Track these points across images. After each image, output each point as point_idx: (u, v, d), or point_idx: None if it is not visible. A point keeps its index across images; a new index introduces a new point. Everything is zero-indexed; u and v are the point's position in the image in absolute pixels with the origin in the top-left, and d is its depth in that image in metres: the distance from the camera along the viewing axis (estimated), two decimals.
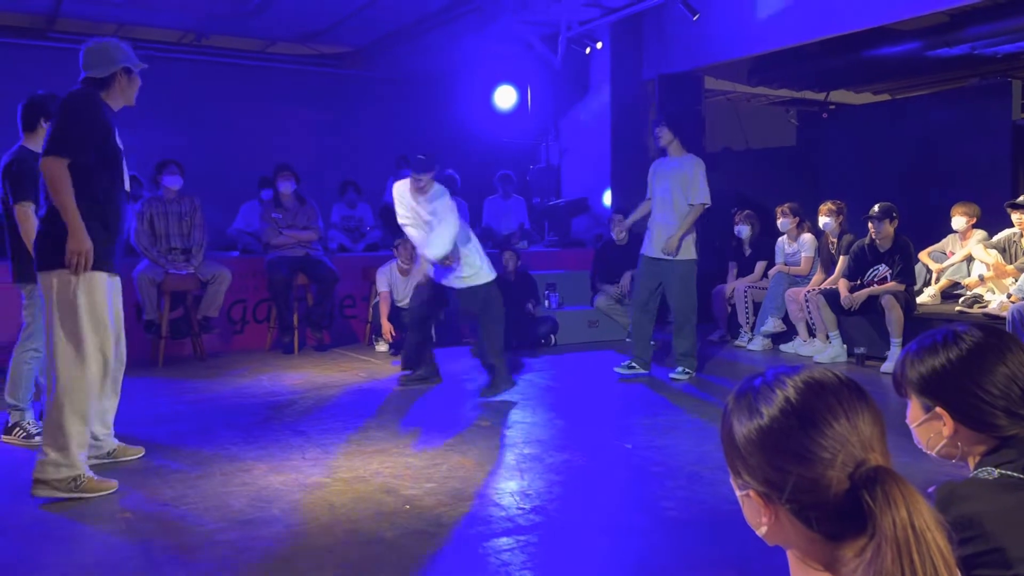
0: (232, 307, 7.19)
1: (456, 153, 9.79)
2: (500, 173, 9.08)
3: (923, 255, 6.98)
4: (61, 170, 3.39)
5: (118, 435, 4.08)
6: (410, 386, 5.64)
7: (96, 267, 3.50)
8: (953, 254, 6.83)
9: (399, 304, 7.11)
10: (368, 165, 9.39)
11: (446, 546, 2.98)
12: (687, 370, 5.87)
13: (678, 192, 5.75)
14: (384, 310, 6.89)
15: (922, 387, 1.46)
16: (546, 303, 7.71)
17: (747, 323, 7.32)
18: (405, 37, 8.93)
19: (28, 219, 4.20)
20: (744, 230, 7.53)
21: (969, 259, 6.68)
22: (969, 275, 6.64)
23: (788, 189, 8.20)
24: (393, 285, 7.05)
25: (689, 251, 5.82)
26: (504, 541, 3.01)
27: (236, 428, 4.63)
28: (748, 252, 7.59)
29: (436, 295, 5.56)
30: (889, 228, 6.27)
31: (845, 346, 6.53)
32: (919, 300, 6.57)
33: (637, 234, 6.80)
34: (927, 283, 6.99)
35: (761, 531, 1.07)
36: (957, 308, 6.30)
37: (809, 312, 6.70)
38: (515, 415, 4.92)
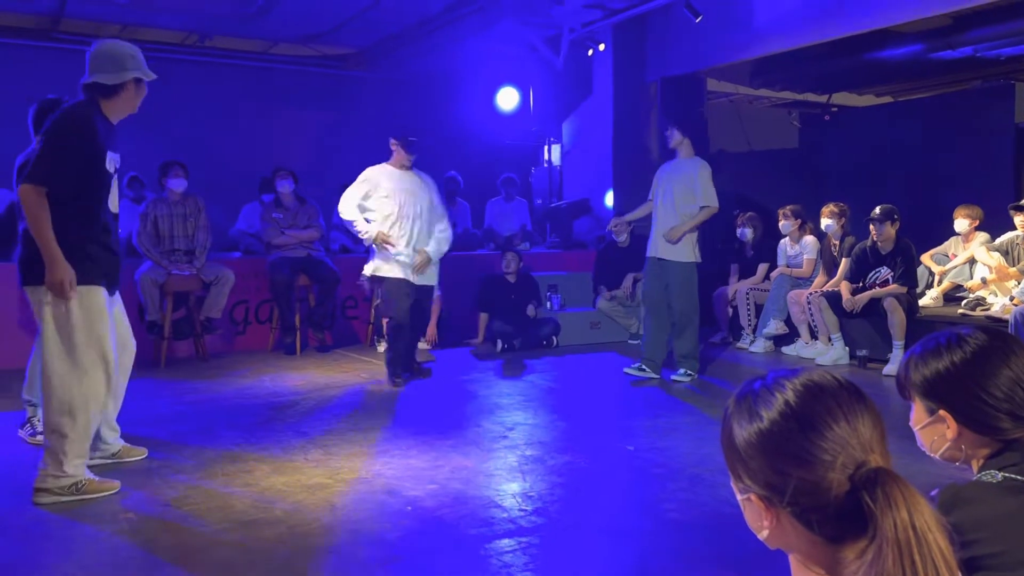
0: (234, 308, 7.20)
1: (458, 154, 9.81)
2: (503, 176, 9.09)
3: (925, 257, 6.98)
4: (39, 199, 3.28)
5: (125, 436, 4.09)
6: (402, 386, 5.71)
7: (88, 282, 3.45)
8: (956, 256, 6.82)
9: None
10: (370, 166, 9.39)
11: (448, 547, 2.98)
12: (689, 372, 5.87)
13: (680, 196, 5.75)
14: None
15: (926, 390, 1.46)
16: (548, 305, 7.72)
17: (749, 325, 7.31)
18: (407, 38, 8.93)
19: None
20: (746, 232, 7.53)
21: (972, 262, 6.67)
22: (972, 278, 6.64)
23: (790, 191, 8.19)
24: None
25: (691, 254, 5.82)
26: (506, 542, 3.01)
27: (238, 429, 4.63)
28: (750, 254, 7.59)
29: (416, 300, 5.77)
30: (890, 230, 6.26)
31: (847, 348, 6.52)
32: (921, 303, 6.56)
33: (639, 236, 6.80)
34: (929, 285, 6.98)
35: (762, 534, 1.07)
36: (960, 311, 6.30)
37: (811, 314, 6.69)
38: (517, 417, 4.92)
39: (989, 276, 6.32)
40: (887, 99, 10.56)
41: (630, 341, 7.54)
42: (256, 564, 2.84)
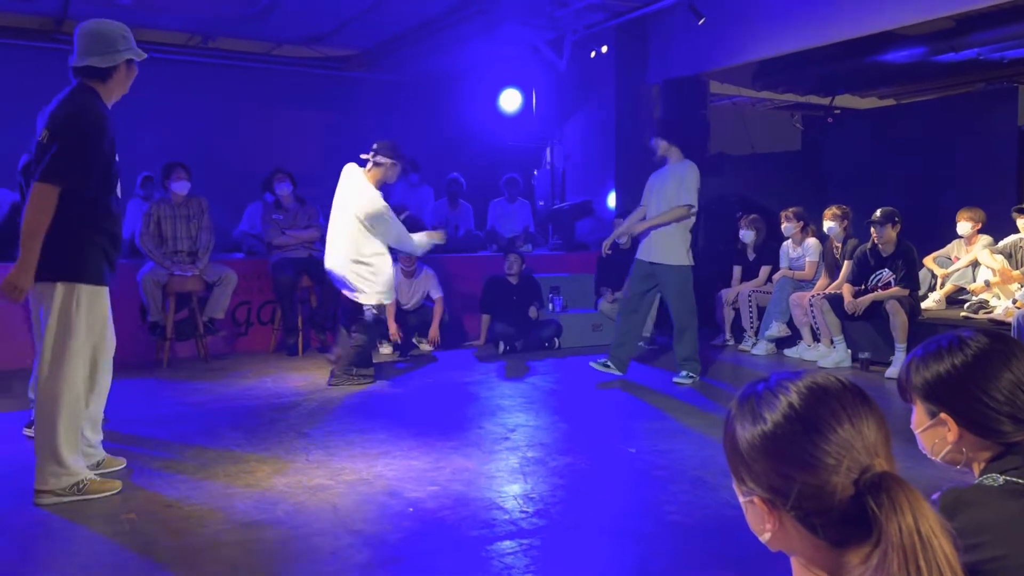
0: (237, 309, 7.21)
1: (461, 156, 9.82)
2: (506, 177, 9.09)
3: (928, 260, 6.97)
4: (50, 199, 3.23)
5: (118, 435, 4.08)
6: (352, 385, 5.74)
7: (98, 282, 3.46)
8: (958, 259, 6.81)
9: (405, 307, 7.13)
10: (372, 187, 9.41)
11: (449, 549, 2.98)
12: (691, 374, 5.87)
13: (672, 198, 5.76)
14: (390, 312, 6.90)
15: (927, 393, 1.46)
16: (550, 306, 7.72)
17: (751, 327, 7.31)
18: (410, 40, 8.94)
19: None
20: (749, 234, 7.52)
21: (974, 264, 6.66)
22: (974, 280, 6.63)
23: (793, 193, 8.19)
24: (397, 287, 7.06)
25: (683, 257, 5.82)
26: (507, 544, 3.01)
27: (240, 430, 4.63)
28: (752, 256, 7.58)
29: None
30: (891, 233, 6.26)
31: (849, 351, 6.52)
32: (924, 305, 6.56)
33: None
34: (932, 288, 6.98)
35: (765, 537, 1.06)
36: (962, 313, 6.29)
37: (813, 317, 6.69)
38: (518, 418, 4.92)
39: (992, 279, 6.31)
40: (890, 101, 10.54)
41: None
42: (257, 565, 2.85)
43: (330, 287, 7.06)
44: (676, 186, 5.74)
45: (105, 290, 3.53)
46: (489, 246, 8.78)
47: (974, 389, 1.41)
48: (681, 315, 5.85)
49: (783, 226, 7.24)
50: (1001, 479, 1.37)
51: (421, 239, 5.99)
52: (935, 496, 1.33)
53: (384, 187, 5.99)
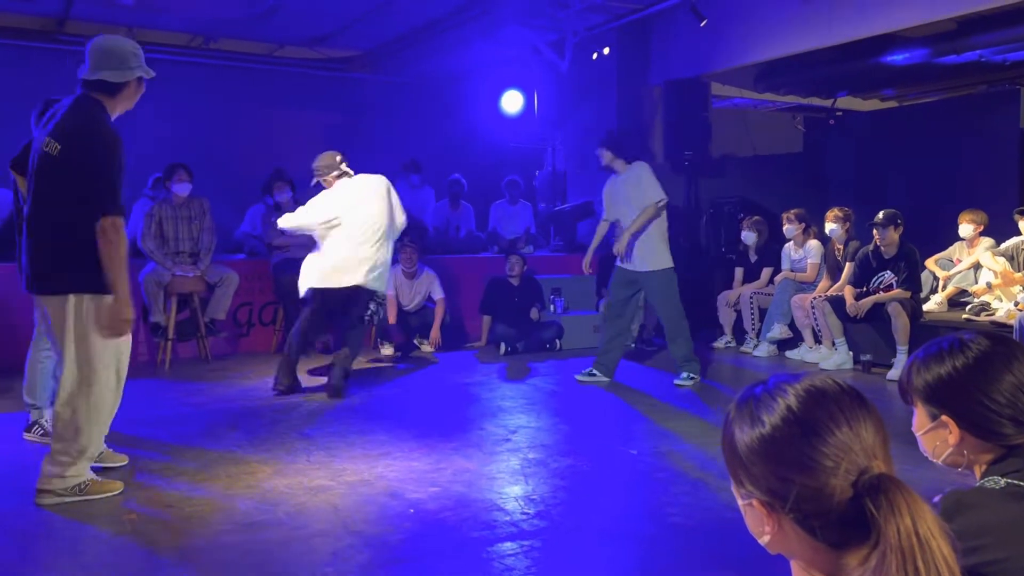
0: (238, 310, 7.21)
1: (463, 157, 9.82)
2: (507, 179, 9.10)
3: (930, 262, 6.96)
4: (123, 232, 3.30)
5: (118, 436, 4.09)
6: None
7: (109, 291, 3.42)
8: (960, 261, 6.80)
9: (406, 308, 7.13)
10: (375, 169, 9.41)
11: (450, 550, 2.98)
12: (691, 375, 5.86)
13: (635, 203, 5.77)
14: (391, 313, 6.91)
15: (928, 395, 1.46)
16: (551, 308, 7.71)
17: (753, 329, 7.30)
18: (413, 41, 8.95)
19: None
20: (751, 236, 7.52)
21: (976, 267, 6.65)
22: (976, 283, 6.62)
23: (794, 195, 8.18)
24: (399, 288, 7.07)
25: (664, 260, 5.82)
26: (508, 546, 3.01)
27: (241, 430, 4.64)
28: (754, 258, 7.58)
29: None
30: (894, 235, 6.25)
31: (851, 353, 6.51)
32: (926, 307, 6.55)
33: None
34: (934, 290, 6.97)
35: (764, 540, 1.06)
36: (964, 316, 6.28)
37: (815, 319, 6.68)
38: (519, 420, 4.91)
39: (994, 281, 6.30)
40: (891, 103, 10.54)
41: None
42: (258, 566, 2.85)
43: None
44: (639, 190, 5.76)
45: None
46: (490, 247, 8.79)
47: (975, 391, 1.41)
48: (671, 318, 5.85)
49: (785, 228, 7.23)
50: (1002, 482, 1.37)
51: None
52: (936, 499, 1.33)
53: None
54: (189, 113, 8.73)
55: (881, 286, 6.32)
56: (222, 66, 9.34)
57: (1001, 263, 6.27)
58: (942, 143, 7.92)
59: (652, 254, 5.78)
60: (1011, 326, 5.51)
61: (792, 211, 7.24)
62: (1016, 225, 6.37)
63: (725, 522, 3.20)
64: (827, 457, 0.99)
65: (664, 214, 5.84)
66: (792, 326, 6.98)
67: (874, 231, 6.32)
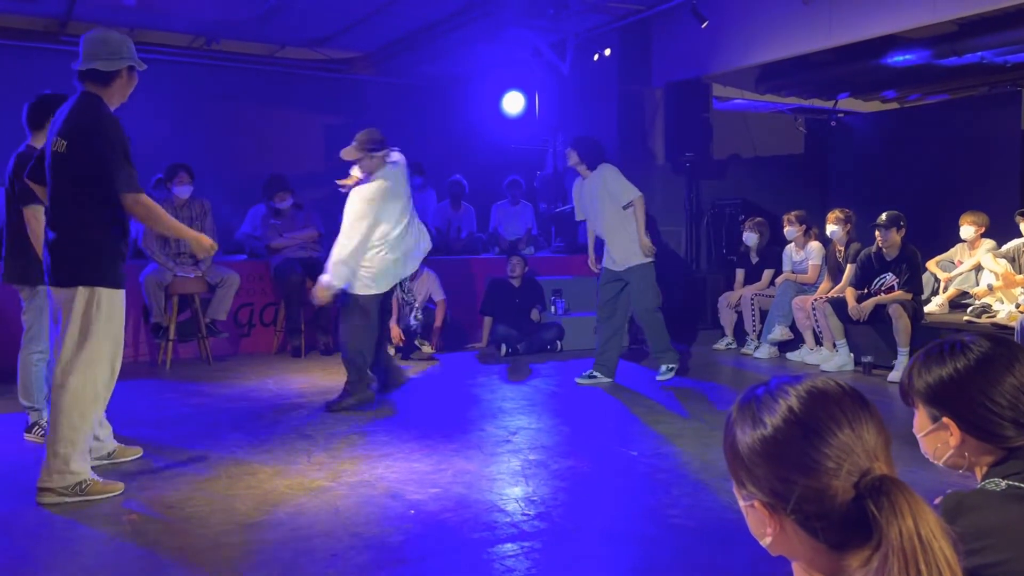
0: (239, 310, 7.22)
1: (464, 158, 9.82)
2: (509, 179, 9.10)
3: (931, 264, 6.96)
4: (146, 203, 3.50)
5: (118, 437, 4.10)
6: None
7: (118, 285, 3.54)
8: (961, 263, 6.80)
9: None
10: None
11: (450, 551, 2.98)
12: (670, 366, 5.91)
13: (606, 203, 5.87)
14: (393, 314, 6.90)
15: (929, 397, 1.46)
16: (552, 309, 7.71)
17: (754, 331, 7.30)
18: (414, 42, 8.95)
19: (38, 222, 4.21)
20: (752, 237, 7.51)
21: (978, 268, 6.65)
22: (977, 284, 6.62)
23: (796, 197, 8.18)
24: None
25: (645, 254, 5.88)
26: (508, 547, 3.01)
27: (242, 431, 4.64)
28: (755, 260, 7.58)
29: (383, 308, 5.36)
30: (896, 237, 6.25)
31: (852, 355, 6.51)
32: (927, 309, 6.55)
33: None
34: (935, 292, 6.96)
35: (765, 541, 1.06)
36: (965, 318, 6.28)
37: (816, 320, 6.68)
38: (520, 421, 4.91)
39: (995, 283, 6.30)
40: (893, 105, 10.54)
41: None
42: (258, 566, 2.85)
43: None
44: (609, 190, 5.85)
45: (122, 293, 3.60)
46: (491, 248, 8.79)
47: (976, 393, 1.41)
48: (645, 309, 5.91)
49: (786, 230, 7.23)
50: (1003, 484, 1.37)
51: None
52: (937, 500, 1.33)
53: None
54: (190, 114, 8.73)
55: (882, 288, 6.31)
56: (223, 67, 9.34)
57: (1002, 265, 6.26)
58: (943, 145, 7.93)
59: (634, 251, 5.85)
60: (1012, 328, 5.50)
61: (793, 213, 7.24)
62: (1017, 227, 6.37)
63: (726, 523, 3.20)
64: (829, 458, 0.99)
65: (632, 216, 5.91)
66: (793, 327, 6.97)
67: (876, 232, 6.31)
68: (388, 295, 5.37)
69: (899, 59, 7.74)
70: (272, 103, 9.59)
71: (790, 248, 7.31)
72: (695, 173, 8.61)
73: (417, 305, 7.11)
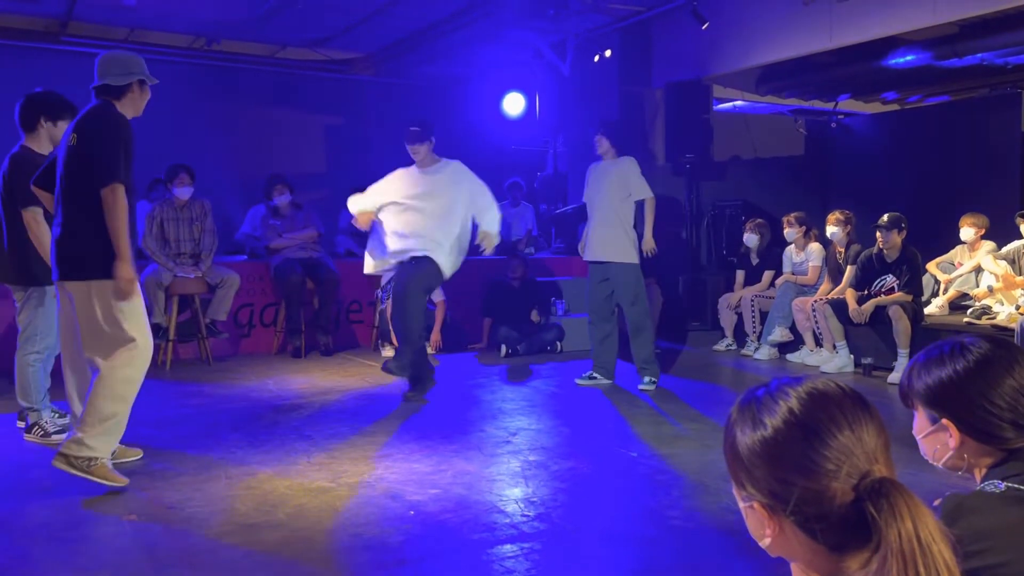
0: (239, 311, 7.22)
1: (464, 159, 9.80)
2: (510, 181, 9.11)
3: (931, 266, 6.96)
4: (122, 198, 3.51)
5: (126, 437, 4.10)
6: (417, 400, 5.49)
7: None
8: (961, 265, 6.80)
9: None
10: (377, 170, 9.43)
11: (450, 552, 2.98)
12: (652, 379, 5.82)
13: (615, 193, 5.83)
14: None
15: (928, 398, 1.46)
16: (552, 310, 7.72)
17: (754, 332, 7.30)
18: (415, 43, 8.96)
19: (39, 224, 4.21)
20: (753, 238, 7.51)
21: (978, 270, 6.65)
22: (977, 286, 6.62)
23: (796, 198, 8.18)
24: None
25: (633, 255, 5.82)
26: (508, 548, 3.01)
27: (242, 432, 4.63)
28: (756, 261, 7.58)
29: (423, 305, 5.60)
30: (897, 238, 6.25)
31: (852, 356, 6.51)
32: (927, 311, 6.54)
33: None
34: (935, 294, 6.97)
35: (764, 543, 1.06)
36: (965, 319, 6.28)
37: (816, 322, 6.68)
38: (520, 422, 4.91)
39: (995, 285, 6.30)
40: (893, 107, 10.54)
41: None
42: (258, 567, 2.85)
43: (332, 288, 7.09)
44: (621, 183, 5.83)
45: (136, 283, 3.68)
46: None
47: (976, 395, 1.41)
48: (636, 316, 5.81)
49: (786, 231, 7.23)
50: (1003, 486, 1.37)
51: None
52: (937, 502, 1.33)
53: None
54: (190, 114, 8.73)
55: (883, 289, 6.31)
56: (223, 67, 9.35)
57: (1002, 267, 6.26)
58: (943, 146, 7.93)
59: (622, 247, 5.80)
60: (1012, 330, 5.50)
61: (793, 214, 7.24)
62: (1017, 228, 6.37)
63: (726, 525, 3.20)
64: (828, 460, 0.99)
65: (633, 211, 5.90)
66: (793, 329, 6.97)
67: (877, 233, 6.31)
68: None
69: (900, 61, 7.74)
70: (272, 103, 9.59)
71: (790, 249, 7.32)
72: (695, 174, 8.61)
73: None
